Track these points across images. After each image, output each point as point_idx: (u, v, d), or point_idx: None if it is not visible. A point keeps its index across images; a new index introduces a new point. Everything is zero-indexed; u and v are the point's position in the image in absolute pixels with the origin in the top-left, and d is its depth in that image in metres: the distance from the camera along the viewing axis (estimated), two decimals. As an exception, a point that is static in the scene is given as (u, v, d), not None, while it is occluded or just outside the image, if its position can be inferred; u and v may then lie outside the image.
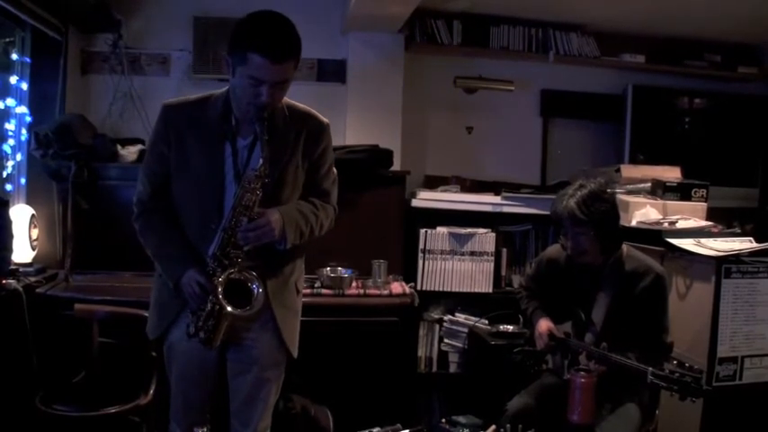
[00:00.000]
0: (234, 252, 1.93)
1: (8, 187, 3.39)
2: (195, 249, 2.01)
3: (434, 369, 3.75)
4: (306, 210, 2.06)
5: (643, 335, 2.36)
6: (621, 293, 2.39)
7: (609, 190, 2.47)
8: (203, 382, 2.15)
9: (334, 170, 2.21)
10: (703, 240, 2.89)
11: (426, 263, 3.66)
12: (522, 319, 2.78)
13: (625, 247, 2.50)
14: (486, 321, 3.59)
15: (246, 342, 2.09)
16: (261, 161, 1.89)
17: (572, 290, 2.52)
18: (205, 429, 2.31)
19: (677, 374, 2.06)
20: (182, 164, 2.01)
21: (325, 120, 2.13)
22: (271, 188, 1.96)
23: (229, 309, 1.91)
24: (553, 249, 2.68)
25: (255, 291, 1.96)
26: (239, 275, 1.95)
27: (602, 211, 2.32)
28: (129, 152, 3.42)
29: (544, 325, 2.53)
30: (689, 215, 3.23)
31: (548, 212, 3.64)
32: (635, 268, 2.42)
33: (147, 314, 2.21)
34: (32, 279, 3.06)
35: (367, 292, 3.26)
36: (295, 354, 2.17)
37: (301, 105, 2.10)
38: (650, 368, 2.12)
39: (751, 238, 2.95)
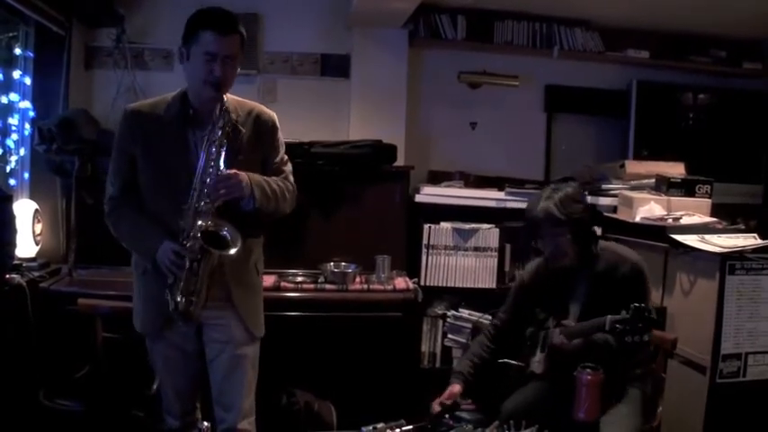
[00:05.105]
0: (205, 206, 2.03)
1: (12, 182, 3.38)
2: (169, 230, 2.10)
3: (438, 365, 3.74)
4: (268, 178, 2.20)
5: None
6: (596, 291, 2.33)
7: (584, 192, 2.42)
8: (189, 368, 2.27)
9: (286, 157, 2.36)
10: (707, 237, 2.89)
11: (430, 258, 3.65)
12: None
13: (600, 242, 2.45)
14: (490, 317, 3.57)
15: (217, 321, 2.20)
16: (219, 113, 2.04)
17: (549, 303, 2.45)
18: (198, 417, 2.37)
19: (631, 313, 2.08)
20: (151, 157, 2.15)
21: (272, 112, 2.31)
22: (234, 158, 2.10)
23: (215, 251, 2.01)
24: (524, 273, 2.63)
25: (228, 235, 2.06)
26: (213, 227, 2.04)
27: (579, 211, 2.31)
28: (133, 147, 3.42)
29: (448, 392, 2.45)
30: (693, 211, 3.23)
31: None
32: (609, 262, 2.35)
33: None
34: (36, 274, 3.06)
35: (370, 287, 3.26)
36: (259, 333, 2.28)
37: (249, 101, 2.28)
38: (608, 316, 2.12)
39: (755, 235, 2.95)
